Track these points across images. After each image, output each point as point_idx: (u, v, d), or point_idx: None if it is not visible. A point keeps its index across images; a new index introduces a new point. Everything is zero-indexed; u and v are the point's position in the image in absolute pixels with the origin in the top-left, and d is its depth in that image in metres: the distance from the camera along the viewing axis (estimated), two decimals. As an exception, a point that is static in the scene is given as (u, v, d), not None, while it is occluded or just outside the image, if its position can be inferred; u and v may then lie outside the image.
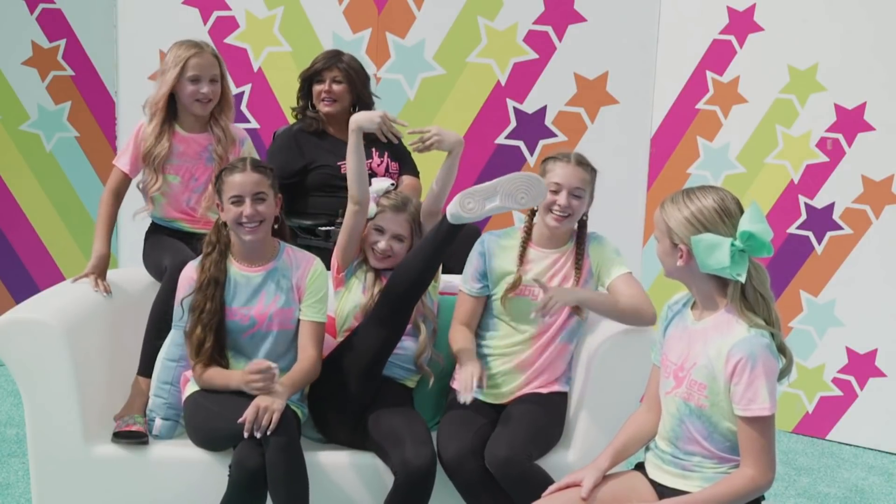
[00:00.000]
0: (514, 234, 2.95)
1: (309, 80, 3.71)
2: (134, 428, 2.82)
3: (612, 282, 2.85)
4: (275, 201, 2.82)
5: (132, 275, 3.30)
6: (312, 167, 3.67)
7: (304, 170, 3.66)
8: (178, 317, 2.85)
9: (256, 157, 3.22)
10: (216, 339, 2.78)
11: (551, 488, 2.38)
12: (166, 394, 2.91)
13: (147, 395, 2.95)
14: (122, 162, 3.16)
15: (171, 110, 3.13)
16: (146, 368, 2.99)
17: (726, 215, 2.17)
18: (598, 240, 2.93)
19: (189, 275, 2.85)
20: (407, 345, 2.91)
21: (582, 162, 2.87)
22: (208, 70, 3.08)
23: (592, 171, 2.89)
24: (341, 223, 3.50)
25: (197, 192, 3.19)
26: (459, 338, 2.87)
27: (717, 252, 2.14)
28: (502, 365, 2.90)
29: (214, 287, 2.78)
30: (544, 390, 2.89)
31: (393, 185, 3.18)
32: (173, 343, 2.94)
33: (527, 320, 2.87)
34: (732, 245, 2.13)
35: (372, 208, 2.96)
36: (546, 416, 2.82)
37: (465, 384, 2.66)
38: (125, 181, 3.17)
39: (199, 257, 2.86)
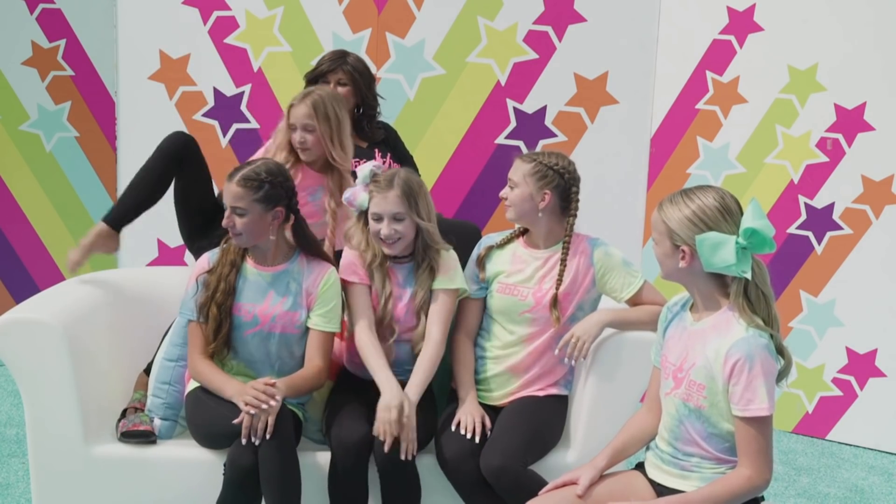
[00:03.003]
0: (508, 235, 2.98)
1: (314, 80, 3.72)
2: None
3: (639, 294, 2.85)
4: (268, 215, 2.76)
5: (132, 275, 3.30)
6: None
7: None
8: (191, 293, 2.82)
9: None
10: (225, 327, 2.78)
11: (548, 486, 2.38)
12: (164, 394, 2.91)
13: (107, 246, 3.09)
14: None
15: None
16: (116, 219, 3.09)
17: (727, 213, 2.17)
18: (605, 248, 2.90)
19: (207, 257, 2.87)
20: (405, 349, 2.90)
21: (525, 157, 2.92)
22: (300, 119, 3.19)
23: (539, 166, 2.87)
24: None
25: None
26: (462, 358, 2.90)
27: (722, 250, 2.13)
28: (496, 368, 2.90)
29: (230, 269, 2.80)
30: (541, 393, 2.88)
31: (378, 166, 2.97)
32: (171, 343, 2.94)
33: (516, 320, 2.88)
34: (736, 243, 2.13)
35: (364, 198, 2.88)
36: (542, 420, 2.81)
37: (468, 426, 2.71)
38: None
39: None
